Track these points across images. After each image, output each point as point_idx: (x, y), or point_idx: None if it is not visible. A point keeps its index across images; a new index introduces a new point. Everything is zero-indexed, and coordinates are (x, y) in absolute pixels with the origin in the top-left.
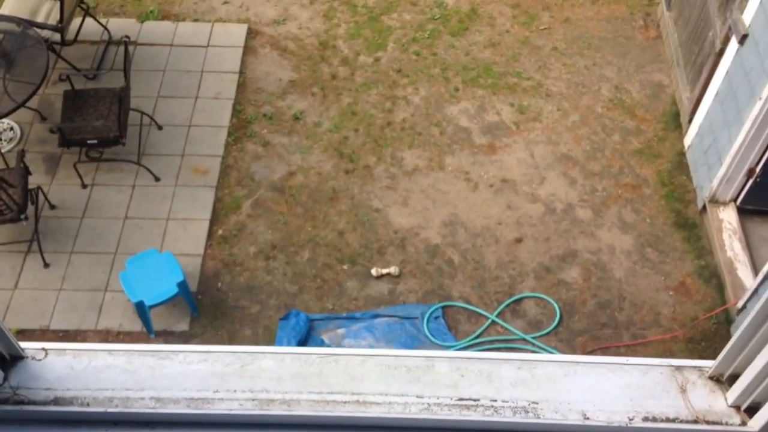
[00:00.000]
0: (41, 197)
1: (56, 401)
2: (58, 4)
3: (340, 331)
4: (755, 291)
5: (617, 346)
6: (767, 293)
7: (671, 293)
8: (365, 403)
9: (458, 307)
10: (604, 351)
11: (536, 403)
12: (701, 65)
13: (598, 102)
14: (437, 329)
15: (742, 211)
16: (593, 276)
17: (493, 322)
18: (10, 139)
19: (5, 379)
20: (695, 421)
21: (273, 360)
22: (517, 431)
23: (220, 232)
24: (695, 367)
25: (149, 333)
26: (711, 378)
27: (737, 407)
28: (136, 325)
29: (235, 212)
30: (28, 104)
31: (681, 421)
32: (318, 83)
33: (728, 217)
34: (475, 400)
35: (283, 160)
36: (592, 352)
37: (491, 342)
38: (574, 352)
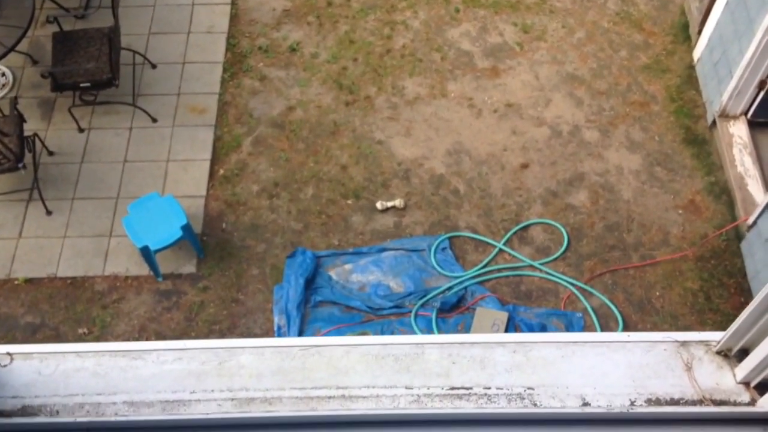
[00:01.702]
0: (38, 144)
1: (24, 410)
2: None
3: (347, 266)
4: (766, 206)
5: (626, 268)
6: None
7: (680, 212)
8: (351, 397)
9: (465, 237)
10: (613, 274)
11: (532, 389)
12: None
13: (604, 16)
14: (445, 260)
15: (752, 125)
16: (601, 198)
17: (501, 250)
18: (3, 85)
19: None
20: (701, 402)
21: (252, 355)
22: (513, 421)
23: (221, 171)
24: (701, 341)
25: (156, 276)
26: (719, 353)
27: (746, 384)
28: (143, 269)
29: (235, 151)
30: (18, 48)
31: (686, 402)
32: (313, 11)
33: (738, 131)
34: (467, 388)
35: (281, 95)
36: (600, 276)
37: (499, 270)
38: (582, 276)
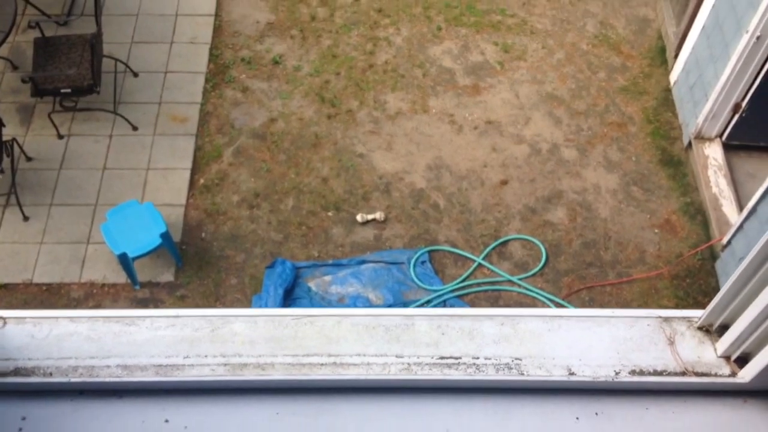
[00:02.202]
0: (17, 149)
1: (17, 372)
2: None
3: (327, 278)
4: (740, 227)
5: (602, 285)
6: (760, 244)
7: (656, 231)
8: (342, 364)
9: (444, 251)
10: (590, 290)
11: (520, 360)
12: None
13: (583, 39)
14: (424, 274)
15: (727, 147)
16: (579, 216)
17: (480, 264)
18: None
19: None
20: (683, 373)
21: (245, 323)
22: (501, 389)
23: (201, 181)
24: (683, 317)
25: (134, 285)
26: (700, 329)
27: (727, 358)
28: (121, 277)
29: (216, 161)
30: None
31: (669, 374)
32: (297, 25)
33: (713, 153)
34: (456, 358)
35: (263, 106)
36: (577, 292)
37: (478, 285)
38: (560, 292)
